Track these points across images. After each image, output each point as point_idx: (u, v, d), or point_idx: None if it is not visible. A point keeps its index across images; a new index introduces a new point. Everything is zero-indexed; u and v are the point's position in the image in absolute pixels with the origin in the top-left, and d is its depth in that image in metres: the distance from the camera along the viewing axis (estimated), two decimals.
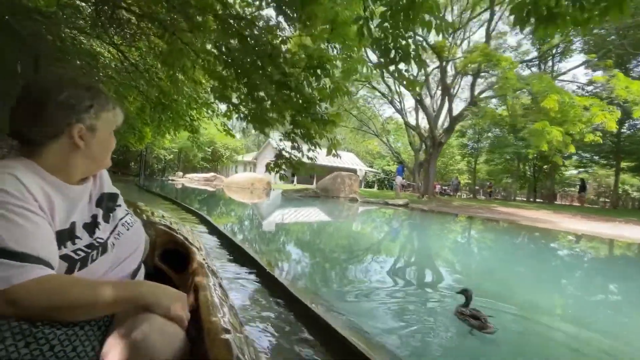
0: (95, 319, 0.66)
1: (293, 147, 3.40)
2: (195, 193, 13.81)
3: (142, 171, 19.56)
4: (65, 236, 0.67)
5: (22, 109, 0.67)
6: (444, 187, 23.12)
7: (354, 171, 25.61)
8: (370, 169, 45.07)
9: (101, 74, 5.29)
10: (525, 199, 24.80)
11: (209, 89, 4.39)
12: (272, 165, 3.45)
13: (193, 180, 22.14)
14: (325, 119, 2.73)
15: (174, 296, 0.71)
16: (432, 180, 17.60)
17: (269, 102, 2.94)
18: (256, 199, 13.21)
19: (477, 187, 27.58)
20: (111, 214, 0.82)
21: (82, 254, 0.68)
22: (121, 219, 0.84)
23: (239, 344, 0.70)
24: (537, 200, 22.61)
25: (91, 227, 0.74)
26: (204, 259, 1.17)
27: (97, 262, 0.70)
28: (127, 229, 0.83)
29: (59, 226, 0.67)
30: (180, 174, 24.34)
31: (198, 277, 0.99)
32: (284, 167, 3.37)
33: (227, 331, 0.71)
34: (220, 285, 1.07)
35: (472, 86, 15.03)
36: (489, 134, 24.17)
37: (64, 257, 0.65)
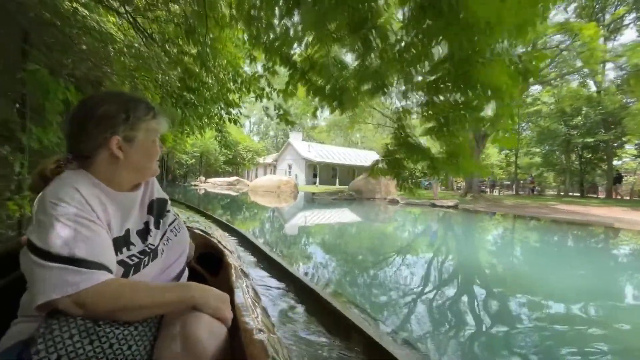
0: (147, 319, 0.68)
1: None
2: (223, 200, 12.82)
3: (163, 177, 18.92)
4: (121, 243, 0.72)
5: (71, 125, 0.74)
6: (479, 184, 21.26)
7: None
8: None
9: (111, 52, 4.22)
10: (563, 194, 22.52)
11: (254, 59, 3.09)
12: (384, 163, 1.88)
13: (216, 184, 21.34)
14: (518, 62, 1.39)
15: (219, 297, 0.75)
16: (476, 178, 15.86)
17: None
18: (284, 203, 12.09)
19: (509, 183, 25.37)
20: (161, 220, 0.85)
21: (136, 260, 0.73)
22: (170, 224, 0.87)
23: (273, 344, 0.71)
24: (578, 194, 20.30)
25: (144, 233, 0.79)
26: (236, 262, 1.20)
27: (148, 267, 0.75)
28: (175, 235, 0.86)
29: (115, 233, 0.71)
30: (202, 178, 23.64)
31: (232, 279, 1.01)
32: (404, 165, 1.85)
33: (262, 331, 0.73)
34: (253, 288, 1.13)
35: None
36: (527, 124, 22.08)
37: (120, 263, 0.69)
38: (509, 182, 26.98)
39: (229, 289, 0.93)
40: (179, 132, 10.39)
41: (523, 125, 22.53)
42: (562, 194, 25.27)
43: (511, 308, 2.62)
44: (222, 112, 3.55)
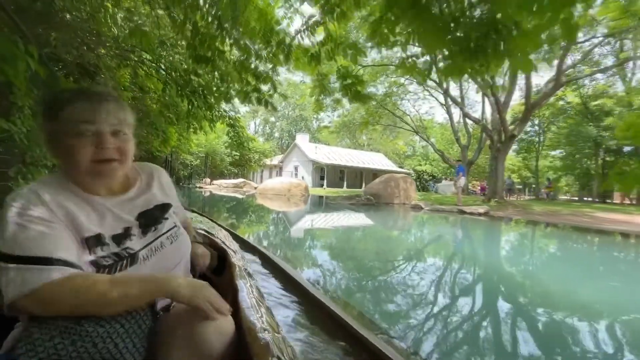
0: (135, 316, 0.66)
1: None
2: (241, 208, 11.86)
3: None
4: (93, 242, 0.68)
5: None
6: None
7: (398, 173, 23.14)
8: (400, 169, 42.39)
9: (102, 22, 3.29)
10: (577, 199, 21.35)
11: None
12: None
13: (222, 186, 20.40)
14: None
15: (193, 285, 0.69)
16: (501, 182, 14.77)
17: None
18: (297, 207, 11.11)
19: (520, 187, 24.19)
20: (153, 227, 0.80)
21: (111, 262, 0.69)
22: (167, 231, 0.82)
23: (278, 343, 0.70)
24: (593, 200, 19.08)
25: (121, 237, 0.73)
26: (240, 262, 1.18)
27: (124, 272, 0.70)
28: (171, 242, 0.81)
29: (86, 233, 0.68)
30: (208, 180, 22.70)
31: (235, 278, 1.00)
32: None
33: (267, 331, 0.73)
34: (257, 287, 1.09)
35: (561, 61, 12.04)
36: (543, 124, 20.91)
37: (92, 263, 0.67)
38: (520, 186, 25.93)
39: (233, 289, 0.95)
40: (184, 128, 9.41)
41: (536, 124, 21.42)
42: (575, 198, 24.16)
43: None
44: (248, 88, 2.58)
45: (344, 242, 5.37)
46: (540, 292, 3.19)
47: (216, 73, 3.01)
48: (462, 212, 10.18)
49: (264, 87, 2.63)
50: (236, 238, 3.41)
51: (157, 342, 0.68)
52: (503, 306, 2.74)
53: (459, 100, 17.59)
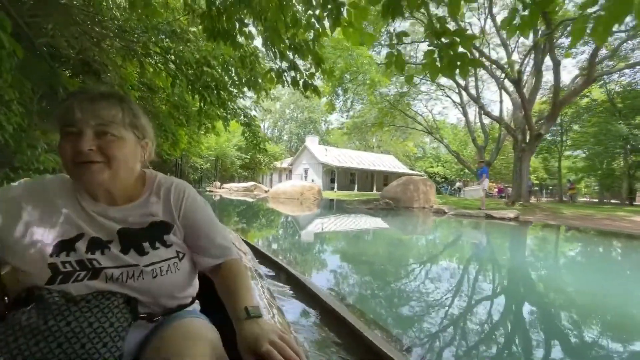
0: (108, 314, 0.62)
1: None
2: (244, 209, 11.37)
3: None
4: (60, 246, 0.65)
5: None
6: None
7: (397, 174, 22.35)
8: (412, 171, 41.55)
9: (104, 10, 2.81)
10: (598, 201, 20.21)
11: None
12: None
13: (232, 190, 19.97)
14: None
15: None
16: (526, 184, 13.94)
17: None
18: (311, 211, 10.56)
19: (536, 189, 23.10)
20: (138, 249, 0.70)
21: (69, 268, 0.64)
22: (159, 262, 0.70)
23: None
24: (616, 202, 17.94)
25: (93, 247, 0.67)
26: (250, 264, 1.21)
27: (80, 284, 0.64)
28: (156, 276, 0.69)
29: (57, 236, 0.65)
30: (218, 184, 22.32)
31: None
32: None
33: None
34: (268, 289, 1.11)
35: (594, 54, 11.19)
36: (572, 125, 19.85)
37: (50, 266, 0.63)
38: (536, 188, 24.91)
39: None
40: (194, 129, 8.96)
41: (558, 123, 20.40)
42: (595, 200, 22.99)
43: None
44: (280, 64, 1.97)
45: (377, 253, 4.78)
46: (617, 317, 2.53)
47: (238, 52, 2.45)
48: (490, 216, 9.44)
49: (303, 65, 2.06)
50: (258, 254, 2.86)
51: (152, 348, 0.64)
52: (583, 341, 2.10)
53: (476, 98, 16.81)
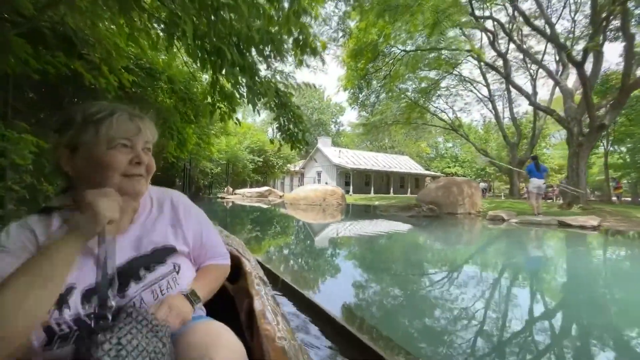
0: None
1: None
2: (274, 224, 9.81)
3: (186, 189, 16.28)
4: (56, 302, 0.58)
5: None
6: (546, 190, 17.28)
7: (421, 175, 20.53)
8: (428, 172, 39.61)
9: None
10: (632, 200, 18.11)
11: None
12: None
13: (245, 196, 18.49)
14: None
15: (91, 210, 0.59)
16: (584, 183, 12.06)
17: None
18: (330, 218, 8.98)
19: (572, 188, 20.96)
20: (136, 276, 0.66)
21: (67, 330, 0.58)
22: (153, 283, 0.67)
23: (294, 351, 0.69)
24: None
25: (92, 293, 0.61)
26: (254, 270, 1.18)
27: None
28: (157, 296, 0.67)
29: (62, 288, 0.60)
30: (230, 189, 20.91)
31: (251, 286, 0.99)
32: None
33: (283, 338, 0.71)
34: (272, 295, 1.06)
35: None
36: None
37: (45, 329, 0.57)
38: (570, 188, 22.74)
39: (249, 296, 0.92)
40: (206, 121, 7.52)
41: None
42: (627, 199, 20.98)
43: None
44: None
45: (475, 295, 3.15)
46: None
47: None
48: (565, 224, 7.67)
49: None
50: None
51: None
52: None
53: (508, 90, 15.04)
